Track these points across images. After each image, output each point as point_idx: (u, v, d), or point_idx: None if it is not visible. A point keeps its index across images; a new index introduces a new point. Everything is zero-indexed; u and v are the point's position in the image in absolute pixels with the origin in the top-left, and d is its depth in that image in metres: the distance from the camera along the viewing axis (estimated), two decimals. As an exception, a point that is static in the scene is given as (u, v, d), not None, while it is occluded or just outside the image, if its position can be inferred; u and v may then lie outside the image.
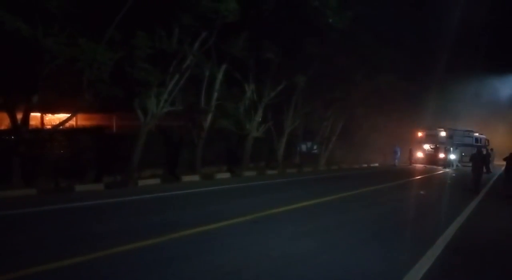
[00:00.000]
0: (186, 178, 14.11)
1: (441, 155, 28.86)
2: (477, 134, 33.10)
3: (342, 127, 24.54)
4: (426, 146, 30.46)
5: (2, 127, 13.93)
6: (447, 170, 26.23)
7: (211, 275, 4.40)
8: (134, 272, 4.43)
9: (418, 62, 24.87)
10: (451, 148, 28.66)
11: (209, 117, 15.35)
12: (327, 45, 16.82)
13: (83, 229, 6.51)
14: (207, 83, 15.05)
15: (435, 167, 27.98)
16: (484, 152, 30.32)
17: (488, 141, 33.39)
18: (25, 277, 4.21)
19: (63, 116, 15.52)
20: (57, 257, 4.77)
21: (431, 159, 29.82)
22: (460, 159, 29.89)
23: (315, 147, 24.57)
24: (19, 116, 10.76)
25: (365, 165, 26.66)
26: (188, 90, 14.29)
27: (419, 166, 28.97)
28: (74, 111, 12.13)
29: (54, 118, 18.77)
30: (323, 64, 17.74)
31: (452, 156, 28.44)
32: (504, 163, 14.97)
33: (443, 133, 30.27)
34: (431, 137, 30.54)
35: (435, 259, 5.27)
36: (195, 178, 14.45)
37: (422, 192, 13.54)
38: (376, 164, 28.46)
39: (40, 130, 13.04)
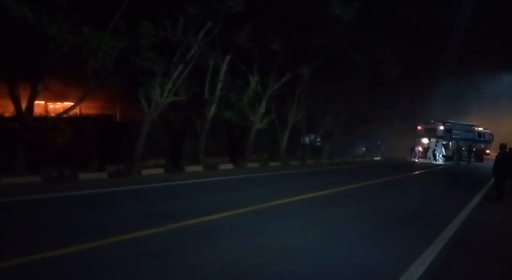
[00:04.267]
0: (189, 169, 14.17)
1: (439, 150, 28.76)
2: (480, 128, 32.81)
3: (346, 120, 24.50)
4: (425, 140, 30.35)
5: (7, 115, 13.97)
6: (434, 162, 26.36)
7: (211, 266, 4.42)
8: (134, 261, 4.46)
9: (423, 56, 24.68)
10: (437, 143, 28.51)
11: (213, 108, 15.34)
12: (333, 37, 16.69)
13: (86, 217, 6.55)
14: (211, 73, 15.01)
15: (433, 161, 27.93)
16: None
17: (492, 135, 33.17)
18: (29, 264, 4.26)
19: (67, 104, 15.58)
20: (59, 245, 4.81)
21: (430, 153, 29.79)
22: (459, 154, 29.87)
23: (318, 139, 24.58)
24: (24, 104, 10.79)
25: (368, 159, 26.68)
26: (192, 81, 14.26)
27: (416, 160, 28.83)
28: (78, 100, 12.14)
29: (59, 106, 18.84)
30: (328, 56, 17.63)
31: (435, 150, 28.42)
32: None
33: (441, 127, 30.11)
34: (430, 131, 30.40)
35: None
36: (198, 168, 14.50)
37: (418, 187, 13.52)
38: (379, 158, 28.50)
39: (45, 118, 13.07)
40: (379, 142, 30.00)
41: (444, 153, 28.26)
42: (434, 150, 28.50)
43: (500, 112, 36.28)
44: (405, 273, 4.46)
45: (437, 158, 28.12)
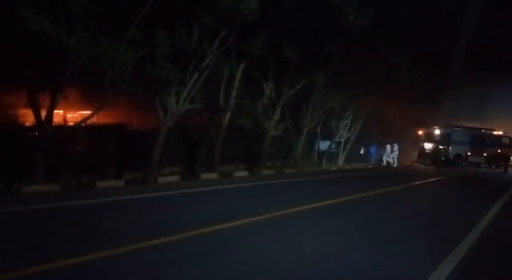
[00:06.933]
0: (205, 176, 14.22)
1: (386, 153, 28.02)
2: (499, 132, 31.64)
3: (361, 126, 24.32)
4: (427, 145, 29.74)
5: (27, 124, 14.30)
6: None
7: (227, 275, 4.41)
8: (149, 270, 4.46)
9: (440, 61, 24.39)
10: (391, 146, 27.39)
11: (228, 116, 15.41)
12: (347, 43, 16.64)
13: (103, 225, 6.62)
14: (226, 81, 15.10)
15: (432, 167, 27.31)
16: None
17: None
18: (47, 272, 4.30)
19: (85, 113, 15.85)
20: (77, 253, 4.84)
21: (430, 158, 29.25)
22: (463, 158, 29.30)
23: (333, 146, 24.43)
24: (43, 113, 11.03)
25: (384, 164, 26.38)
26: (207, 89, 14.37)
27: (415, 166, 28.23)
28: (96, 109, 12.35)
29: (77, 115, 19.19)
30: (343, 62, 17.57)
31: (386, 153, 27.21)
32: None
33: (437, 132, 29.57)
34: (430, 136, 29.86)
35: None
36: (214, 176, 14.54)
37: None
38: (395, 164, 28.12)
39: (63, 127, 13.31)
40: (363, 149, 28.79)
41: (389, 157, 27.26)
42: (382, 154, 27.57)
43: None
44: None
45: (384, 160, 27.18)
